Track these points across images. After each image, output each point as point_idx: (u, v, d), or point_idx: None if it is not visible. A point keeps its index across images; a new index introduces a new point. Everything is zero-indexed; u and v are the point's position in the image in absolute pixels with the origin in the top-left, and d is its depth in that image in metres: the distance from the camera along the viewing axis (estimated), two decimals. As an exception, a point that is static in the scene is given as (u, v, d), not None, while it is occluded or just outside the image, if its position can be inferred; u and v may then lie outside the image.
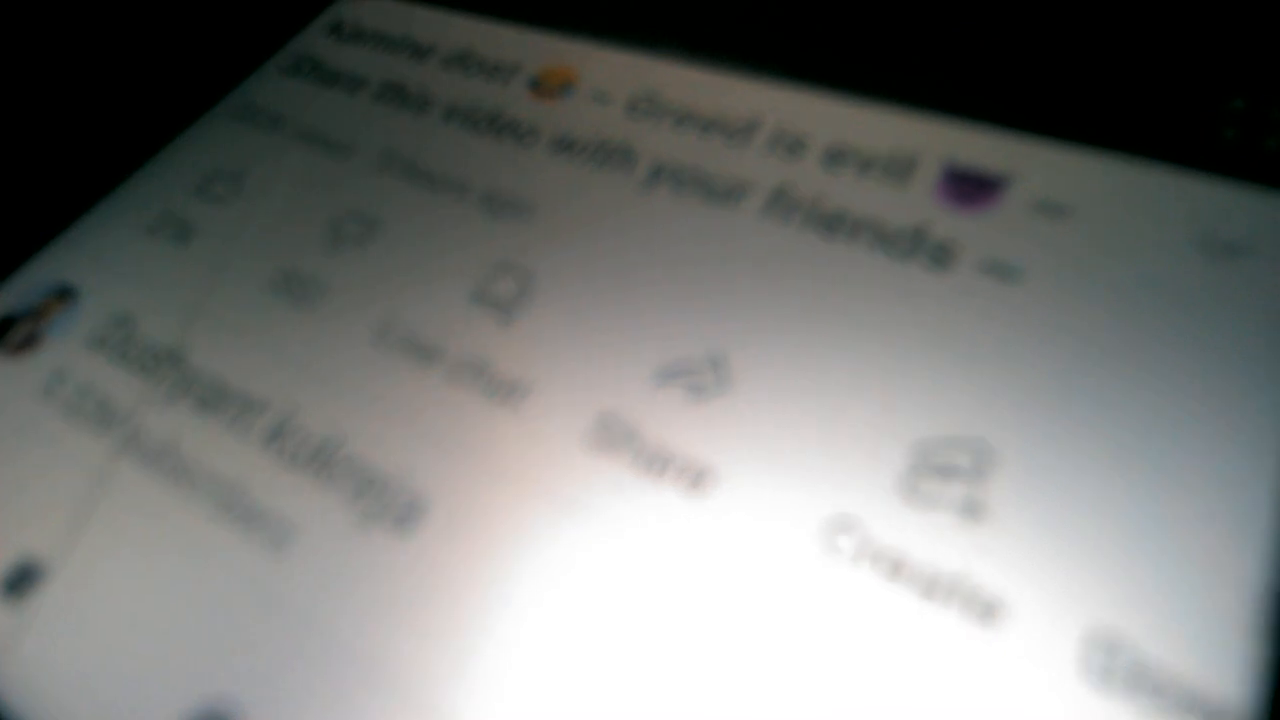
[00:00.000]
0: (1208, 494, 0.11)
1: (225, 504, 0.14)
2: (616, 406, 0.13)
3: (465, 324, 0.15)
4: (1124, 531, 0.11)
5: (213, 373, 0.15)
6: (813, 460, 0.12)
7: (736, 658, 0.11)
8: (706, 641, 0.11)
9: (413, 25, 0.20)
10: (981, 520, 0.11)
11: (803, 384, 0.13)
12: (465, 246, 0.16)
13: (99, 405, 0.15)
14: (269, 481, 0.14)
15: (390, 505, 0.13)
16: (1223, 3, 0.15)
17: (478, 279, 0.15)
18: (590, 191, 0.16)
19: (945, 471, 0.12)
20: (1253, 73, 0.14)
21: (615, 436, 0.13)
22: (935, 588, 0.11)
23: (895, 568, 0.11)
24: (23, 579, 0.14)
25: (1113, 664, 0.10)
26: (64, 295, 0.17)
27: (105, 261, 0.17)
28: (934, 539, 0.11)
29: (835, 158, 0.15)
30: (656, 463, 0.13)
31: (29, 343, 0.17)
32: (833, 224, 0.15)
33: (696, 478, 0.12)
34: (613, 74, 0.18)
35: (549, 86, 0.18)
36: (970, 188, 0.14)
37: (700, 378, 0.13)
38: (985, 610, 0.11)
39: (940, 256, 0.14)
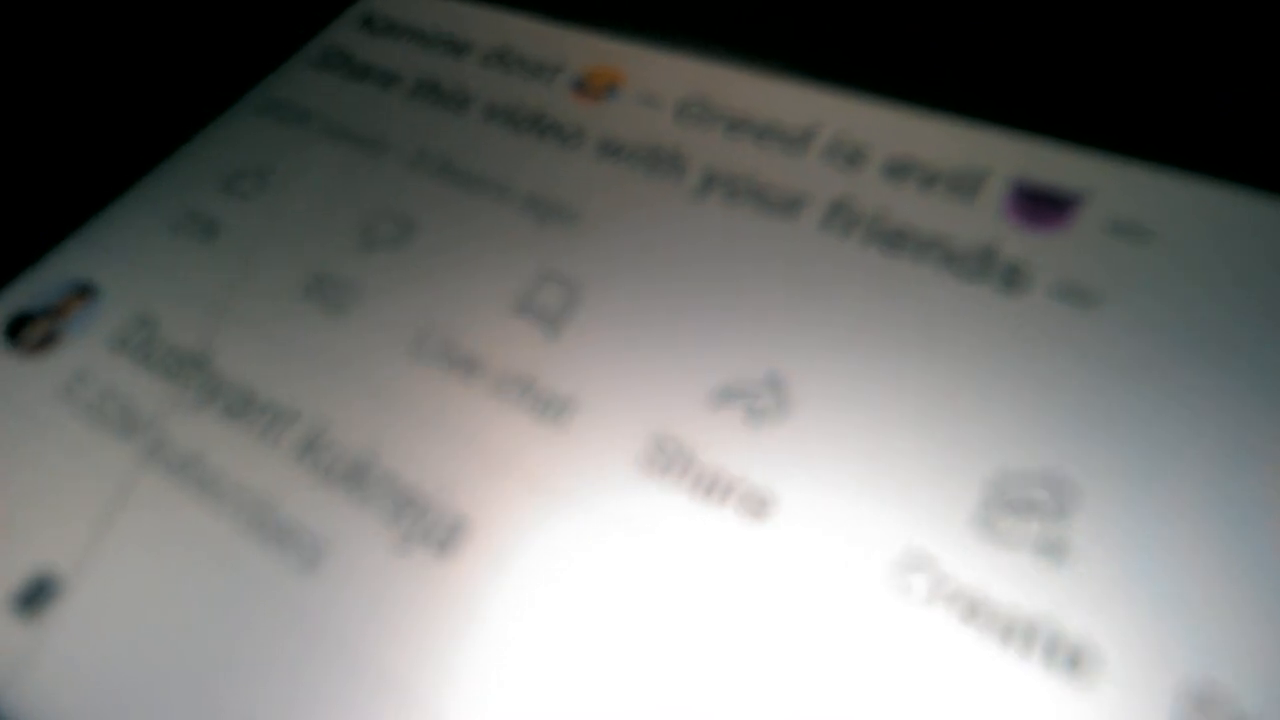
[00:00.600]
0: (1310, 541, 0.10)
1: (254, 519, 0.13)
2: (671, 427, 0.13)
3: (509, 335, 0.14)
4: (1221, 576, 0.10)
5: (240, 379, 0.15)
6: (881, 492, 0.12)
7: (803, 702, 0.10)
8: (771, 683, 0.11)
9: (448, 20, 0.19)
10: (1064, 561, 0.11)
11: (867, 410, 0.12)
12: (507, 253, 0.15)
13: (121, 410, 0.15)
14: (301, 497, 0.13)
15: (432, 526, 0.12)
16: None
17: (521, 288, 0.15)
18: (639, 198, 0.15)
19: (1023, 507, 0.11)
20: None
21: (671, 459, 0.12)
22: (1013, 633, 0.10)
23: (971, 610, 0.11)
24: (39, 594, 0.13)
25: (1212, 722, 0.09)
26: (84, 293, 0.16)
27: (127, 258, 0.17)
28: (1013, 580, 0.11)
29: (897, 170, 0.15)
30: (716, 489, 0.12)
31: (47, 341, 0.16)
32: (896, 240, 0.14)
33: (758, 506, 0.12)
34: (661, 76, 0.17)
35: (594, 87, 0.17)
36: (1042, 206, 0.14)
37: (759, 400, 0.13)
38: (1070, 660, 0.10)
39: (1012, 278, 0.13)
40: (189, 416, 0.14)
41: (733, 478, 0.12)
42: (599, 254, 0.15)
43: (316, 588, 0.12)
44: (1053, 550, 0.11)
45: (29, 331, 0.16)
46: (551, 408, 0.13)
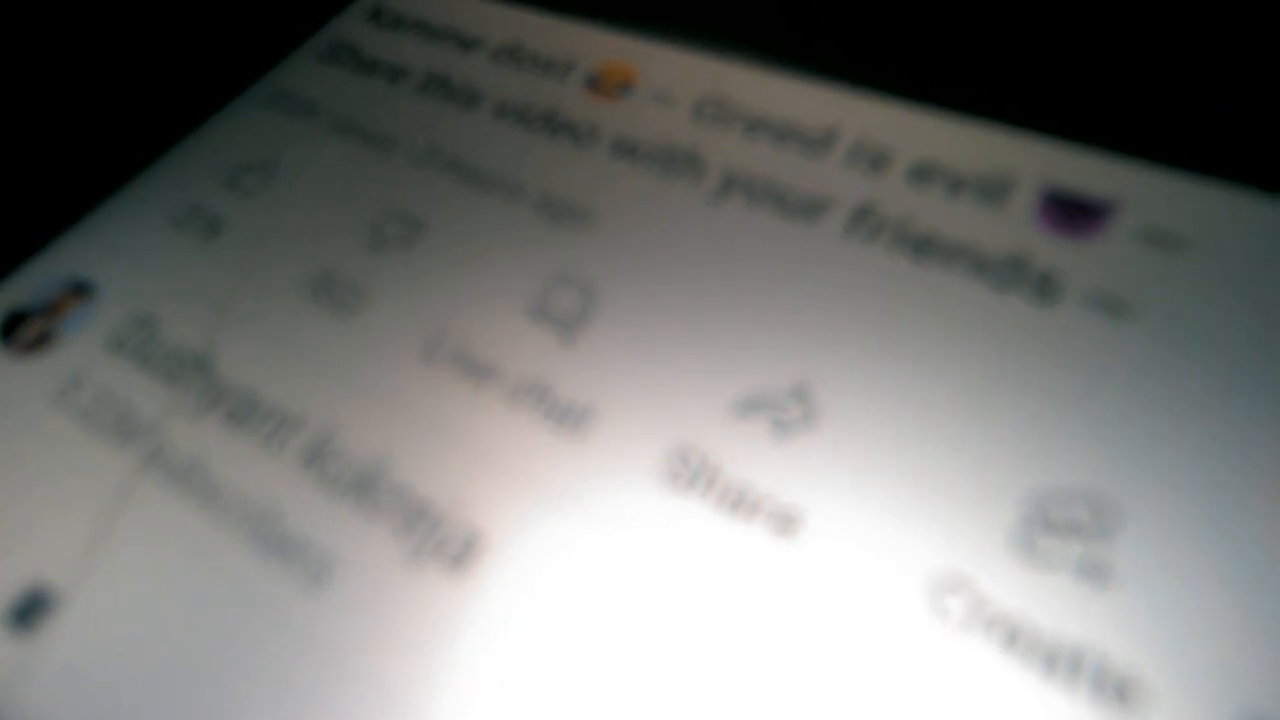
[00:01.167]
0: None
1: (258, 531, 0.13)
2: (693, 439, 0.12)
3: (523, 340, 0.14)
4: (1276, 601, 0.10)
5: (243, 383, 0.14)
6: (914, 509, 0.11)
7: (836, 729, 0.10)
8: (800, 711, 0.10)
9: (458, 15, 0.19)
10: (1108, 584, 0.10)
11: (898, 422, 0.12)
12: (520, 254, 0.15)
13: (118, 414, 0.14)
14: (307, 507, 0.13)
15: (444, 540, 0.12)
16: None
17: (534, 290, 0.14)
18: (656, 200, 0.15)
19: (1064, 528, 0.11)
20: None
21: (695, 473, 0.12)
22: (1057, 661, 0.10)
23: (1012, 636, 0.10)
24: (33, 608, 0.13)
25: (1265, 756, 0.09)
26: (80, 291, 0.16)
27: (125, 255, 0.16)
28: (1055, 604, 0.10)
29: (923, 175, 0.14)
30: (743, 505, 0.12)
31: (42, 341, 0.15)
32: (923, 246, 0.13)
33: (786, 523, 0.11)
34: (676, 74, 0.17)
35: (607, 85, 0.17)
36: (1073, 213, 0.13)
37: (785, 411, 0.12)
38: (1119, 691, 0.10)
39: (1044, 288, 0.13)
40: (189, 422, 0.14)
41: (759, 493, 0.12)
42: (615, 256, 0.14)
43: (323, 604, 0.12)
44: (1096, 573, 0.10)
45: (23, 331, 0.16)
46: (569, 417, 0.13)
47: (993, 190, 0.14)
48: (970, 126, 0.15)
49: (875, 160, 0.15)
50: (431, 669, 0.11)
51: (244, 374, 0.14)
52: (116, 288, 0.16)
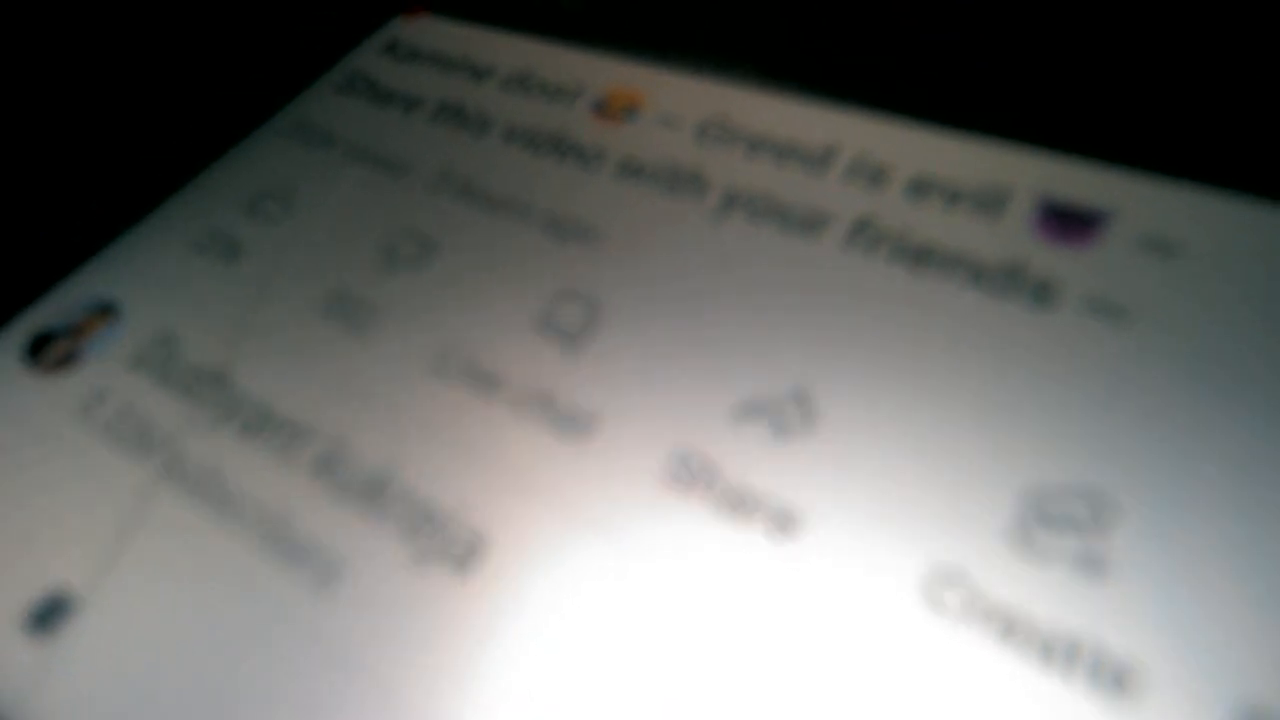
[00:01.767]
0: (1361, 557, 0.10)
1: (269, 536, 0.13)
2: (694, 443, 0.12)
3: (529, 353, 0.14)
4: (1269, 593, 0.10)
5: (259, 397, 0.15)
6: (912, 506, 0.11)
7: (835, 724, 0.10)
8: (801, 705, 0.10)
9: (470, 46, 0.20)
10: (1104, 577, 0.10)
11: (896, 424, 0.12)
12: (528, 271, 0.15)
13: (139, 428, 0.15)
14: (317, 513, 0.13)
15: (449, 543, 0.12)
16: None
17: (541, 306, 0.15)
18: (660, 218, 0.15)
19: (1060, 522, 0.11)
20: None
21: (694, 475, 0.12)
22: (1054, 651, 0.10)
23: (1008, 628, 0.10)
24: (53, 612, 0.13)
25: (1267, 746, 0.09)
26: (105, 312, 0.16)
27: (149, 278, 0.17)
28: (1050, 596, 0.10)
29: (920, 189, 0.15)
30: (742, 504, 0.12)
31: (67, 360, 0.16)
32: (921, 257, 0.14)
33: (785, 521, 0.11)
34: (680, 98, 0.17)
35: (614, 109, 0.17)
36: (1069, 223, 0.14)
37: (783, 415, 0.12)
38: (1116, 679, 0.10)
39: (1041, 294, 0.13)
40: (206, 434, 0.14)
41: (759, 494, 0.12)
42: (619, 272, 0.15)
43: (332, 605, 0.12)
44: (1092, 566, 0.10)
45: (49, 351, 0.16)
46: (573, 424, 0.13)
47: (990, 202, 0.14)
48: (967, 141, 0.15)
49: (874, 175, 0.15)
50: (435, 667, 0.11)
51: (259, 388, 0.15)
52: (140, 309, 0.16)
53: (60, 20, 0.20)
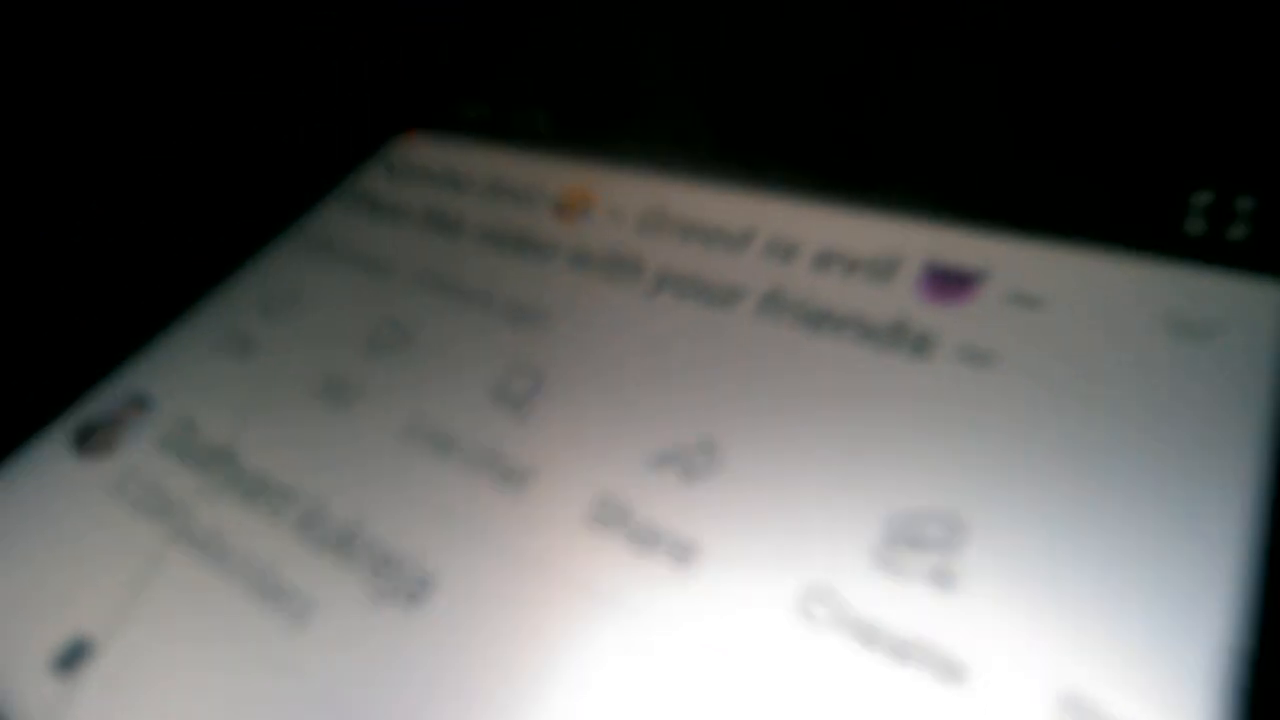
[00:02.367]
0: (1175, 560, 0.11)
1: (256, 584, 0.15)
2: (614, 488, 0.14)
3: (482, 419, 0.16)
4: (1092, 598, 0.11)
5: (258, 468, 0.17)
6: (793, 533, 0.13)
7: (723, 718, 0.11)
8: (694, 708, 0.12)
9: (453, 160, 0.23)
10: (953, 588, 0.12)
11: (786, 464, 0.14)
12: (487, 350, 0.17)
13: (160, 499, 0.17)
14: (297, 563, 0.15)
15: (403, 582, 0.14)
16: (1187, 101, 0.16)
17: (497, 378, 0.17)
18: (601, 300, 0.18)
19: (918, 542, 0.12)
20: (1217, 166, 0.15)
21: (611, 515, 0.14)
22: (907, 653, 0.11)
23: (869, 635, 0.11)
24: (75, 655, 0.15)
25: (1082, 729, 0.10)
26: (140, 404, 0.19)
27: (177, 374, 0.20)
28: (906, 607, 0.12)
29: (824, 261, 0.17)
30: (649, 539, 0.13)
31: (106, 447, 0.19)
32: (820, 320, 0.16)
33: (684, 553, 0.13)
34: (627, 193, 0.20)
35: (570, 208, 0.20)
36: (949, 283, 0.15)
37: (692, 461, 0.14)
38: (955, 674, 0.11)
39: (920, 346, 0.15)
40: (213, 500, 0.17)
41: (662, 530, 0.13)
42: (563, 347, 0.17)
43: (304, 639, 0.14)
44: (943, 579, 0.12)
45: (93, 439, 0.19)
46: (513, 476, 0.15)
47: (882, 269, 0.16)
48: (865, 216, 0.17)
49: (786, 252, 0.17)
50: (389, 688, 0.13)
51: (259, 460, 0.17)
52: (168, 400, 0.19)
53: (110, 150, 0.23)
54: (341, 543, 0.15)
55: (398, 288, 0.19)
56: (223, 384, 0.19)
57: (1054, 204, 0.16)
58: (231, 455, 0.17)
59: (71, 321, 0.21)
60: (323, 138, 0.23)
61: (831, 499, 0.13)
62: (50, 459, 0.19)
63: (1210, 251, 0.14)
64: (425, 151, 0.23)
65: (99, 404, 0.20)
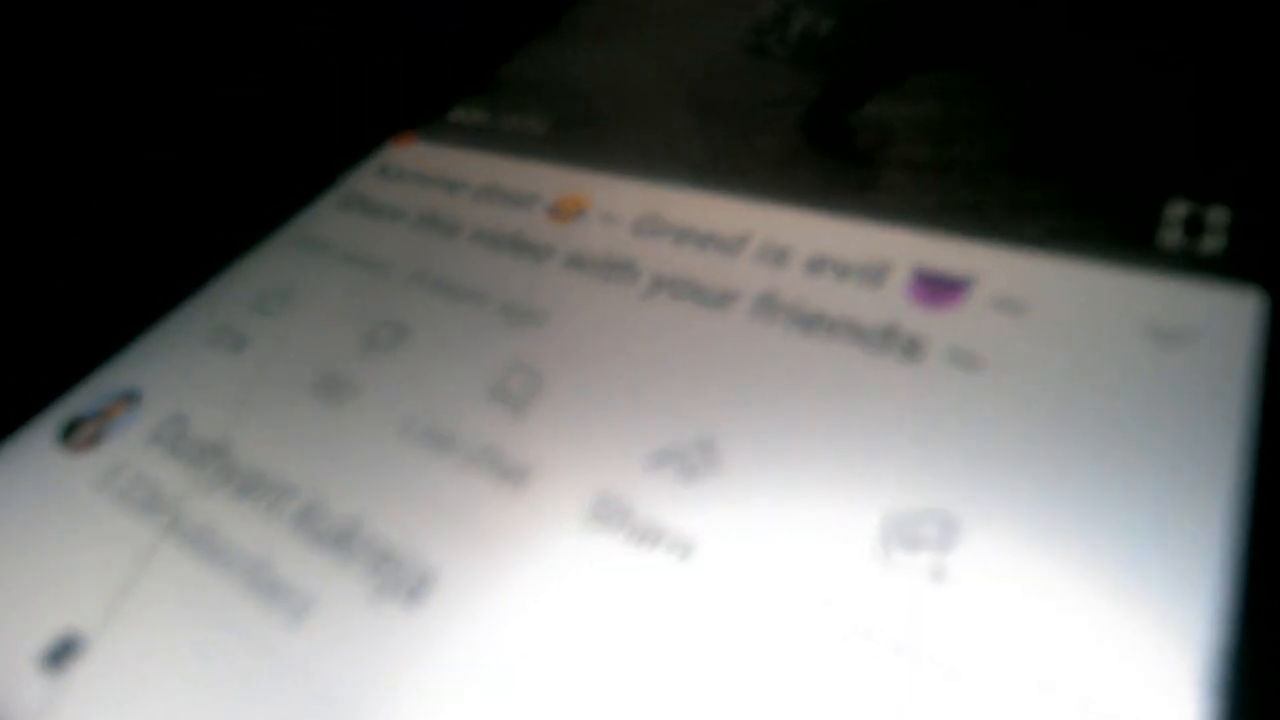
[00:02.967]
0: (1156, 560, 0.11)
1: (252, 580, 0.15)
2: (613, 487, 0.14)
3: (480, 418, 0.16)
4: (1078, 596, 0.11)
5: (252, 463, 0.17)
6: (790, 531, 0.13)
7: (726, 711, 0.12)
8: (695, 692, 0.12)
9: (448, 165, 0.23)
10: (944, 585, 0.12)
11: (782, 463, 0.14)
12: (484, 350, 0.18)
13: (148, 493, 0.17)
14: (294, 558, 0.15)
15: (403, 579, 0.14)
16: (1164, 117, 0.17)
17: (494, 378, 0.17)
18: (597, 302, 0.18)
19: (914, 542, 0.13)
20: (1191, 179, 0.15)
21: (611, 514, 0.14)
22: (902, 652, 0.12)
23: (867, 632, 0.12)
24: (65, 651, 0.15)
25: None
26: (128, 399, 0.19)
27: (167, 369, 0.19)
28: (903, 604, 0.12)
29: (817, 266, 0.17)
30: (649, 537, 0.14)
31: (93, 440, 0.18)
32: (813, 323, 0.16)
33: (686, 550, 0.13)
34: (621, 199, 0.20)
35: (564, 212, 0.20)
36: (938, 288, 0.16)
37: (691, 460, 0.14)
38: (952, 671, 0.11)
39: (910, 349, 0.15)
40: (206, 496, 0.16)
41: (664, 527, 0.14)
42: (560, 348, 0.17)
43: (302, 636, 0.14)
44: (937, 577, 0.12)
45: (78, 433, 0.19)
46: (512, 474, 0.15)
47: (874, 274, 0.16)
48: (857, 224, 0.17)
49: (779, 257, 0.17)
50: (388, 686, 0.13)
51: (253, 456, 0.17)
52: (158, 395, 0.19)
53: (102, 143, 0.23)
54: (340, 539, 0.15)
55: (392, 287, 0.20)
56: (214, 380, 0.19)
57: (1038, 213, 0.16)
58: (225, 451, 0.17)
59: (57, 315, 0.20)
60: (318, 137, 0.24)
61: (827, 498, 0.13)
62: (35, 452, 0.18)
63: (1186, 260, 0.15)
64: (420, 154, 0.23)
65: (86, 398, 0.19)
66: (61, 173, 0.22)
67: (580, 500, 0.14)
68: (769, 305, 0.17)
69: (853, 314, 0.16)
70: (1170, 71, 0.18)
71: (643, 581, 0.13)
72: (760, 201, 0.19)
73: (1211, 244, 0.15)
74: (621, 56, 0.25)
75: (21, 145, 0.22)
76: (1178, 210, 0.15)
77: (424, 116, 0.24)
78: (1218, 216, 0.15)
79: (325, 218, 0.22)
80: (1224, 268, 0.15)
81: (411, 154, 0.24)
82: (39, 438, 0.19)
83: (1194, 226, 0.15)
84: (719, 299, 0.17)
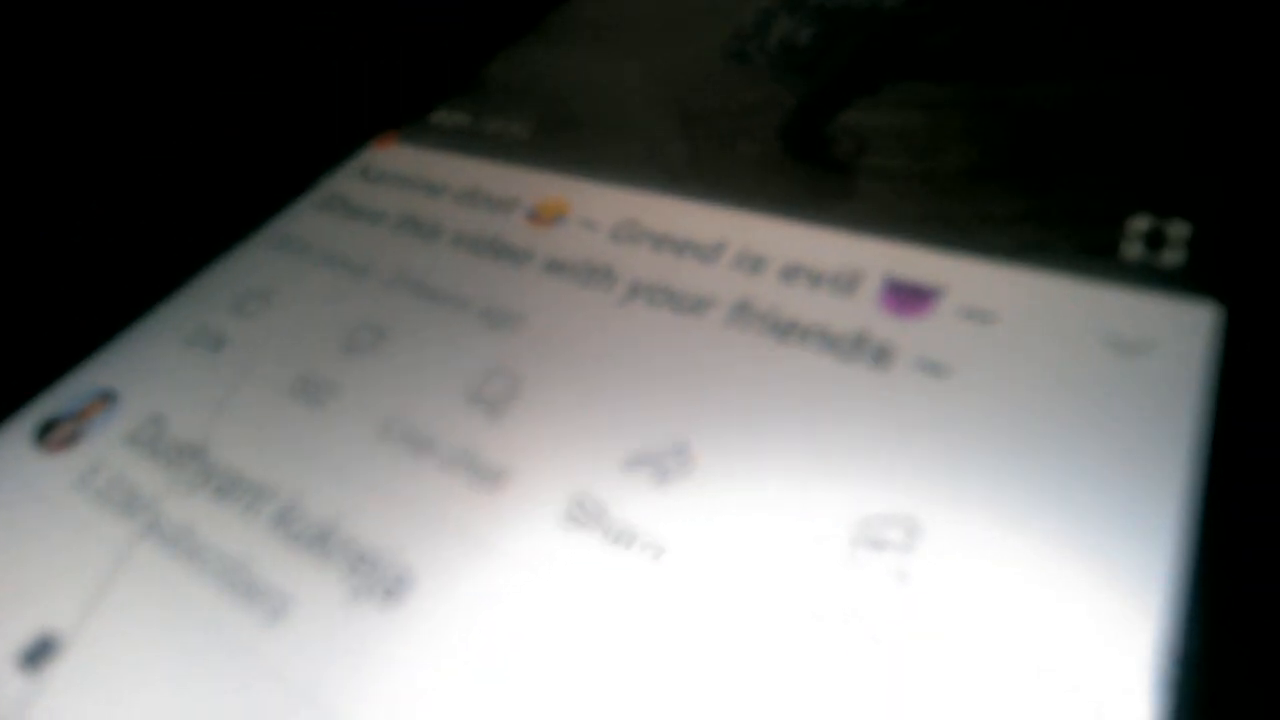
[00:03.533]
0: (1110, 562, 0.12)
1: (230, 581, 0.15)
2: (590, 489, 0.15)
3: (459, 420, 0.16)
4: (1036, 594, 0.12)
5: (230, 464, 0.17)
6: (760, 534, 0.13)
7: (692, 705, 0.12)
8: (663, 685, 0.12)
9: (429, 168, 0.23)
10: (906, 585, 0.12)
11: (754, 467, 0.14)
12: (463, 353, 0.18)
13: (126, 494, 0.17)
14: (272, 559, 0.15)
15: (380, 579, 0.14)
16: (1127, 133, 0.17)
17: (473, 381, 0.17)
18: (575, 306, 0.18)
19: (879, 544, 0.13)
20: (1154, 193, 0.16)
21: (587, 515, 0.14)
22: (874, 642, 0.12)
23: (835, 630, 0.12)
24: (41, 651, 0.15)
25: (1028, 715, 0.11)
26: (105, 399, 0.19)
27: (145, 369, 0.19)
28: (870, 603, 0.12)
29: (791, 274, 0.17)
30: (623, 538, 0.14)
31: (69, 441, 0.18)
32: (787, 330, 0.16)
33: (659, 551, 0.14)
34: (600, 205, 0.20)
35: (544, 216, 0.20)
36: (908, 297, 0.16)
37: (665, 464, 0.15)
38: (915, 668, 0.12)
39: (880, 357, 0.15)
40: (184, 497, 0.17)
41: (638, 529, 0.14)
42: (538, 351, 0.17)
43: (279, 637, 0.14)
44: (900, 578, 0.12)
45: (54, 433, 0.19)
46: (489, 476, 0.15)
47: (846, 283, 0.17)
48: (831, 233, 0.18)
49: (754, 264, 0.18)
50: (365, 685, 0.13)
51: (231, 457, 0.17)
52: (135, 395, 0.19)
53: (80, 145, 0.23)
54: (318, 540, 0.15)
55: (373, 289, 0.20)
56: (192, 380, 0.19)
57: (1007, 225, 0.17)
58: (203, 451, 0.17)
59: (34, 314, 0.20)
60: (299, 138, 0.24)
61: (797, 502, 0.14)
62: (11, 453, 0.18)
63: (1147, 273, 0.15)
64: (402, 156, 0.23)
65: (61, 398, 0.19)
66: (38, 173, 0.22)
67: (556, 502, 0.15)
68: (744, 312, 0.17)
69: (825, 322, 0.16)
70: (1137, 88, 0.19)
71: (617, 581, 0.13)
72: (737, 209, 0.19)
73: (1172, 258, 0.15)
74: (604, 61, 0.26)
75: (-1, 145, 0.22)
76: (1140, 224, 0.16)
77: (406, 118, 0.25)
78: (1178, 231, 0.16)
79: (306, 219, 0.23)
80: (1183, 281, 0.15)
81: (393, 156, 0.24)
82: (15, 438, 0.19)
83: (1155, 240, 0.16)
84: (695, 305, 0.17)
